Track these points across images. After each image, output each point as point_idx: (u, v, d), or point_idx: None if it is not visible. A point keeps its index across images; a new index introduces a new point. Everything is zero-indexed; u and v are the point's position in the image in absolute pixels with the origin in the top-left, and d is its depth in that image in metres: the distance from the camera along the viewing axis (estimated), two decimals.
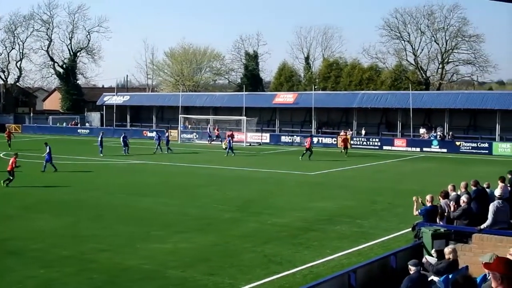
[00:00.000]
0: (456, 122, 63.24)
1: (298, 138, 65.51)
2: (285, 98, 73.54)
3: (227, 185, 34.35)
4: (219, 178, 37.32)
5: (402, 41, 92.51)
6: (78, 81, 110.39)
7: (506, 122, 59.49)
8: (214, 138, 66.03)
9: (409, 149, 58.57)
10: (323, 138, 64.49)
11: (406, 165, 47.31)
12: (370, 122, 68.27)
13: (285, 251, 18.98)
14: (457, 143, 56.94)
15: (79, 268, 17.09)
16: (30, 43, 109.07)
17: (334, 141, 62.07)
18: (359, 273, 13.06)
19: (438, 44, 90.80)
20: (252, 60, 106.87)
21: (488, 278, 6.48)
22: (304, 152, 49.00)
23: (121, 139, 53.04)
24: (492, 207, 16.62)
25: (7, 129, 67.47)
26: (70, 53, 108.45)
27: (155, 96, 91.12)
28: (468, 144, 56.43)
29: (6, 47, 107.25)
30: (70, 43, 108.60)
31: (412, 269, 11.67)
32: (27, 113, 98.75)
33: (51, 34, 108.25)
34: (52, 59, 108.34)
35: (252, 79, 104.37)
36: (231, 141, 52.59)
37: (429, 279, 12.00)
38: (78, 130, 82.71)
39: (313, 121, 70.10)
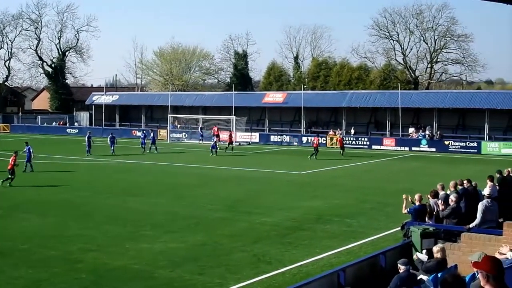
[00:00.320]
0: (445, 122, 63.43)
1: (288, 137, 65.64)
2: (275, 97, 73.53)
3: (217, 184, 34.29)
4: (209, 177, 37.26)
5: (391, 41, 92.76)
6: (67, 81, 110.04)
7: (495, 122, 59.74)
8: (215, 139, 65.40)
9: (398, 148, 58.73)
10: (312, 138, 64.40)
11: (395, 164, 47.41)
12: (359, 122, 68.35)
13: (274, 250, 18.95)
14: (446, 143, 57.13)
15: (67, 268, 17.00)
16: (19, 43, 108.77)
17: (324, 140, 62.13)
18: (348, 272, 13.05)
19: (426, 43, 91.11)
20: (241, 60, 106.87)
21: (477, 277, 6.47)
22: (313, 152, 49.02)
23: (108, 139, 52.91)
24: (480, 206, 16.67)
25: None
26: (59, 52, 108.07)
27: (144, 95, 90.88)
28: (456, 144, 56.63)
29: None
30: (59, 42, 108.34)
31: (402, 268, 11.67)
32: (15, 112, 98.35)
33: (40, 34, 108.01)
34: (40, 59, 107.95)
35: (241, 79, 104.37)
36: (214, 140, 52.66)
37: (418, 277, 12.00)
38: (67, 130, 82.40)
39: (302, 120, 70.08)
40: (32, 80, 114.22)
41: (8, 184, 32.44)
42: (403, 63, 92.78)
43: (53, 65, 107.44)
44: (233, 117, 68.20)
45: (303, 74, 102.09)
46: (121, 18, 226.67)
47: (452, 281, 5.99)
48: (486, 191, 17.94)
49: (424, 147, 57.80)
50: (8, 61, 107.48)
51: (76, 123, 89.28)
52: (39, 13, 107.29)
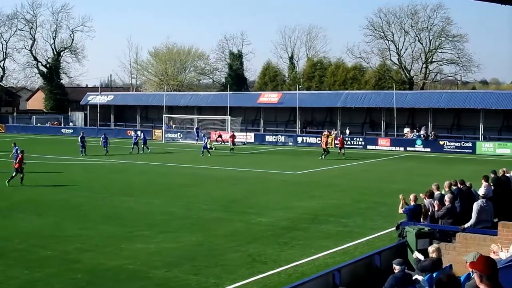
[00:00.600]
0: (440, 122, 63.52)
1: (283, 137, 65.67)
2: (270, 97, 73.54)
3: (212, 184, 34.29)
4: (204, 177, 37.26)
5: (386, 41, 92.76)
6: (61, 81, 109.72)
7: (490, 122, 59.87)
8: (218, 139, 65.43)
9: (393, 148, 58.79)
10: (308, 138, 64.62)
11: (390, 164, 47.46)
12: (354, 122, 68.40)
13: (269, 250, 18.98)
14: (441, 143, 57.22)
15: (63, 268, 17.00)
16: (14, 43, 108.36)
17: (319, 140, 62.22)
18: (343, 272, 13.08)
19: (421, 43, 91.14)
20: (236, 60, 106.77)
21: (472, 277, 6.51)
22: (325, 152, 49.07)
23: (101, 139, 52.85)
24: (475, 206, 16.72)
25: None
26: (53, 52, 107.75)
27: (139, 95, 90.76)
28: (451, 144, 56.73)
29: None
30: (54, 42, 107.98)
31: (397, 268, 11.71)
32: (10, 112, 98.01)
33: (35, 34, 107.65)
34: (35, 59, 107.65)
35: (236, 79, 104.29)
36: (206, 141, 52.66)
37: (413, 277, 12.04)
38: (62, 130, 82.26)
39: (297, 120, 70.12)
40: (27, 80, 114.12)
41: (20, 182, 32.73)
42: (398, 63, 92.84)
43: (48, 65, 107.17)
44: (228, 117, 68.21)
45: (298, 74, 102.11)
46: (116, 18, 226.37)
47: (447, 281, 6.02)
48: (481, 191, 18.00)
49: (419, 147, 57.88)
50: (2, 61, 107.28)
51: (71, 123, 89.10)
52: (34, 13, 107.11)
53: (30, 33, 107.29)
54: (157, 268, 16.99)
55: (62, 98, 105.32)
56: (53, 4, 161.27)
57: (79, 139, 51.81)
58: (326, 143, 49.77)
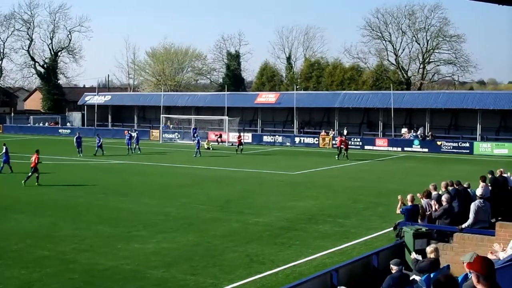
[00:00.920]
0: (437, 122, 63.56)
1: (280, 138, 65.67)
2: (267, 98, 73.55)
3: (209, 185, 34.28)
4: (201, 178, 37.24)
5: (384, 41, 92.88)
6: (59, 81, 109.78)
7: (487, 122, 59.93)
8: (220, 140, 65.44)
9: (391, 148, 58.82)
10: (305, 138, 64.64)
11: (388, 164, 47.48)
12: (351, 122, 68.40)
13: (267, 250, 18.96)
14: (438, 143, 57.25)
15: (60, 268, 16.97)
16: (11, 43, 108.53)
17: (316, 140, 62.30)
18: (341, 273, 13.08)
19: (419, 44, 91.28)
20: (234, 60, 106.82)
21: (470, 277, 6.50)
22: (338, 152, 49.25)
23: (96, 139, 52.74)
24: (473, 206, 16.73)
25: None
26: (51, 52, 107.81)
27: (136, 96, 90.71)
28: (449, 144, 56.76)
29: None
30: (51, 42, 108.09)
31: (394, 268, 11.71)
32: (8, 113, 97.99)
33: (32, 34, 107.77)
34: (33, 59, 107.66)
35: (234, 79, 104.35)
36: (199, 142, 52.70)
37: (411, 278, 12.04)
38: (59, 130, 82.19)
39: (295, 121, 70.12)
40: (24, 81, 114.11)
41: (36, 183, 32.90)
42: (395, 63, 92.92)
43: (45, 65, 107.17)
44: (225, 118, 68.21)
45: (295, 75, 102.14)
46: (113, 18, 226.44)
47: (444, 281, 6.01)
48: (478, 192, 18.00)
49: (416, 147, 57.91)
50: (0, 62, 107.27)
51: (68, 124, 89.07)
52: (31, 13, 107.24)
53: (28, 33, 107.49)
54: (154, 268, 16.97)
55: (60, 98, 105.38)
56: (51, 4, 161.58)
57: (75, 140, 51.80)
58: (341, 143, 49.88)
